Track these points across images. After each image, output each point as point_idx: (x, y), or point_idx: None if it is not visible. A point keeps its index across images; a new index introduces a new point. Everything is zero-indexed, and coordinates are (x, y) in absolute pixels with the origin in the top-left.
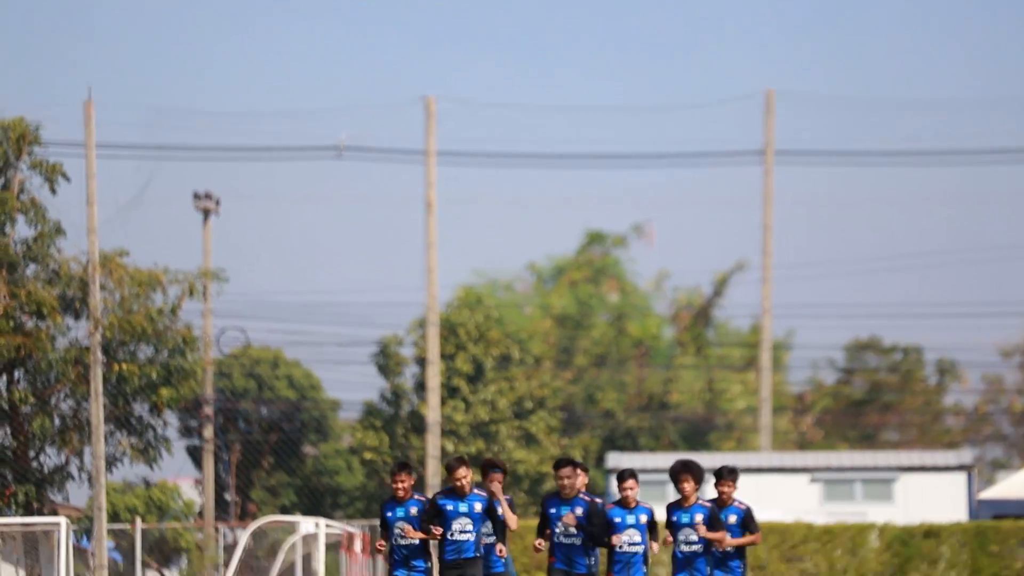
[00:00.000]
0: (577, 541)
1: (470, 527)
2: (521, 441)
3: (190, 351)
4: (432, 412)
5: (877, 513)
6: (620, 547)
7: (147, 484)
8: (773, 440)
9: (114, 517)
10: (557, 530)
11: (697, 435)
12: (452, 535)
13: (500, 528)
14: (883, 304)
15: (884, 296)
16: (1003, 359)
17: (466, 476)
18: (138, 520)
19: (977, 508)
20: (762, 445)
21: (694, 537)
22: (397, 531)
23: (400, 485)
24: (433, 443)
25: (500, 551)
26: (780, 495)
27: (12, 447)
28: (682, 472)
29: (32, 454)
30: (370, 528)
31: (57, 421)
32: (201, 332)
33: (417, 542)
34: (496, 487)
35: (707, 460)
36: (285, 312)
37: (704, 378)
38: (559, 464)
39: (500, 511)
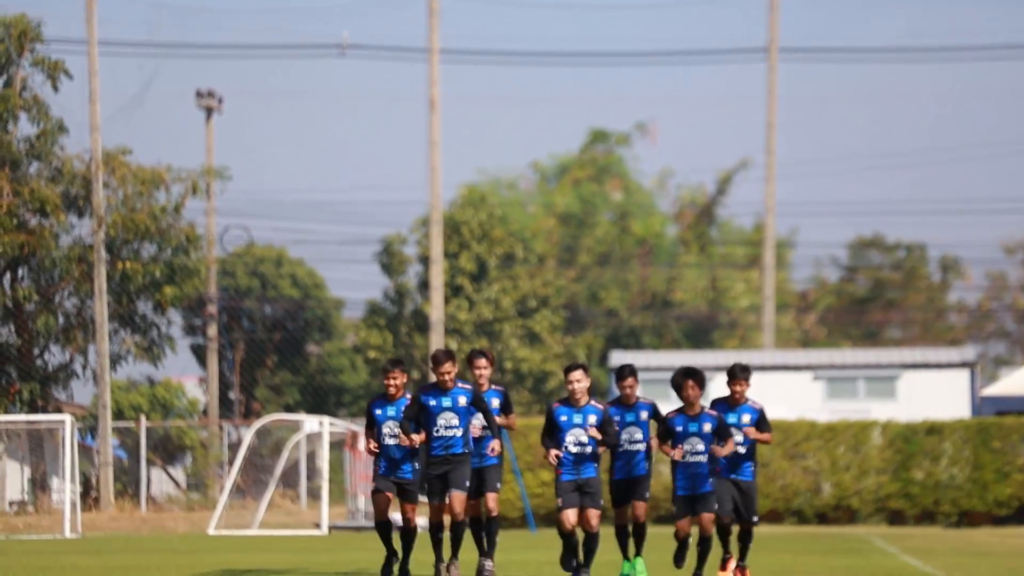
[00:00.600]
0: (588, 450)
1: (456, 422)
2: (524, 340)
3: (193, 249)
4: (435, 311)
5: (880, 410)
6: (622, 446)
7: (151, 382)
8: (776, 338)
9: (118, 415)
10: (568, 439)
11: (700, 333)
12: (437, 431)
13: (493, 422)
14: (886, 201)
15: (887, 193)
16: (1006, 256)
17: (451, 371)
18: (142, 418)
19: (980, 404)
20: (765, 343)
21: (701, 447)
22: (386, 431)
23: (392, 383)
24: (437, 342)
25: (492, 450)
26: (783, 393)
27: (16, 345)
28: (686, 378)
29: (36, 352)
30: None
31: (61, 319)
32: (204, 230)
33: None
34: (482, 377)
35: (710, 359)
36: (288, 210)
37: (707, 276)
38: (569, 369)
39: (497, 411)
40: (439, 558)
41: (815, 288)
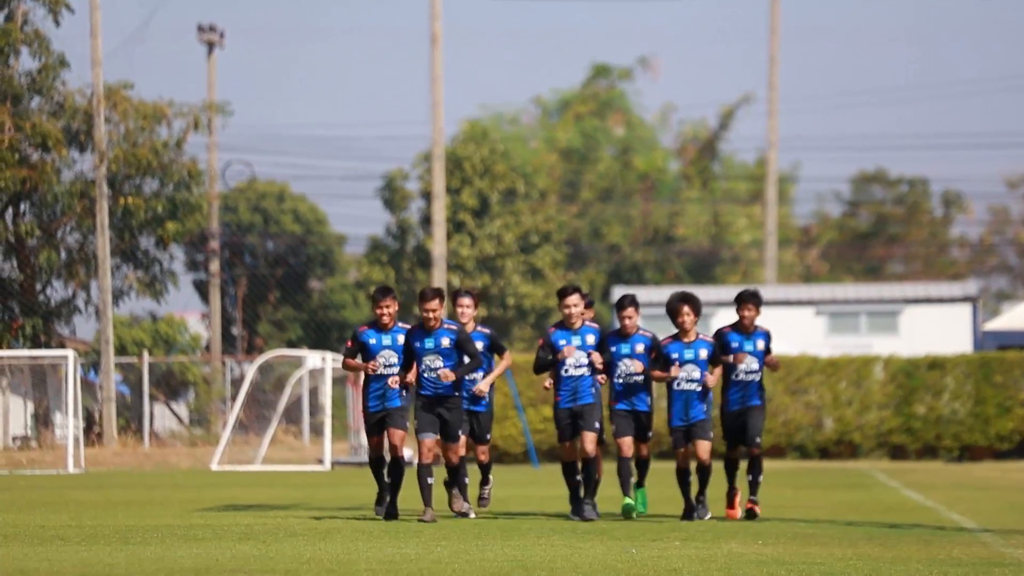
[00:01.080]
0: (586, 372)
1: (439, 363)
2: (527, 276)
3: (195, 185)
4: (438, 247)
5: (882, 345)
6: (620, 377)
7: (154, 318)
8: (778, 273)
9: (121, 351)
10: (567, 362)
11: (702, 268)
12: (425, 373)
13: (478, 360)
14: (889, 136)
15: (890, 128)
16: (1009, 190)
17: (436, 309)
18: (145, 354)
19: (982, 339)
20: (767, 278)
21: (696, 374)
22: (381, 361)
23: (385, 311)
24: (439, 278)
25: (478, 391)
26: (785, 328)
27: (19, 280)
28: (681, 303)
29: (39, 287)
30: None
31: (63, 255)
32: (206, 166)
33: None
34: (465, 317)
35: (712, 294)
36: (290, 146)
37: (710, 212)
38: (564, 292)
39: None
40: (451, 494)
41: (817, 223)
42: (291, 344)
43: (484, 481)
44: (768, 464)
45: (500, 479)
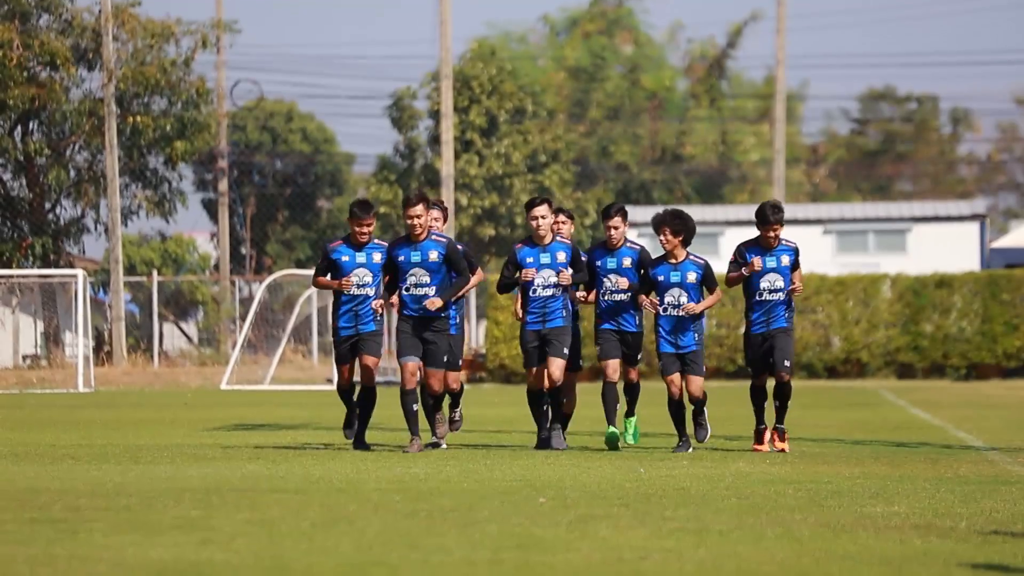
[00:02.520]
0: (558, 292)
1: (427, 279)
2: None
3: (204, 104)
4: (446, 166)
5: (890, 263)
6: (605, 294)
7: (163, 237)
8: (786, 192)
9: (130, 270)
10: (535, 282)
11: (711, 187)
12: (408, 289)
13: (466, 280)
14: (897, 53)
15: (899, 45)
16: (1018, 107)
17: (421, 215)
18: (154, 273)
19: (989, 257)
20: (775, 197)
21: (684, 299)
22: (355, 279)
23: (365, 230)
24: (447, 197)
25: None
26: None
27: (28, 199)
28: (661, 225)
29: (48, 206)
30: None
31: (72, 173)
32: (214, 84)
33: (369, 295)
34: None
35: (720, 213)
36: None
37: (718, 130)
38: (532, 203)
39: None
40: (431, 425)
41: (825, 141)
42: (299, 264)
43: (454, 404)
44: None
45: (513, 399)
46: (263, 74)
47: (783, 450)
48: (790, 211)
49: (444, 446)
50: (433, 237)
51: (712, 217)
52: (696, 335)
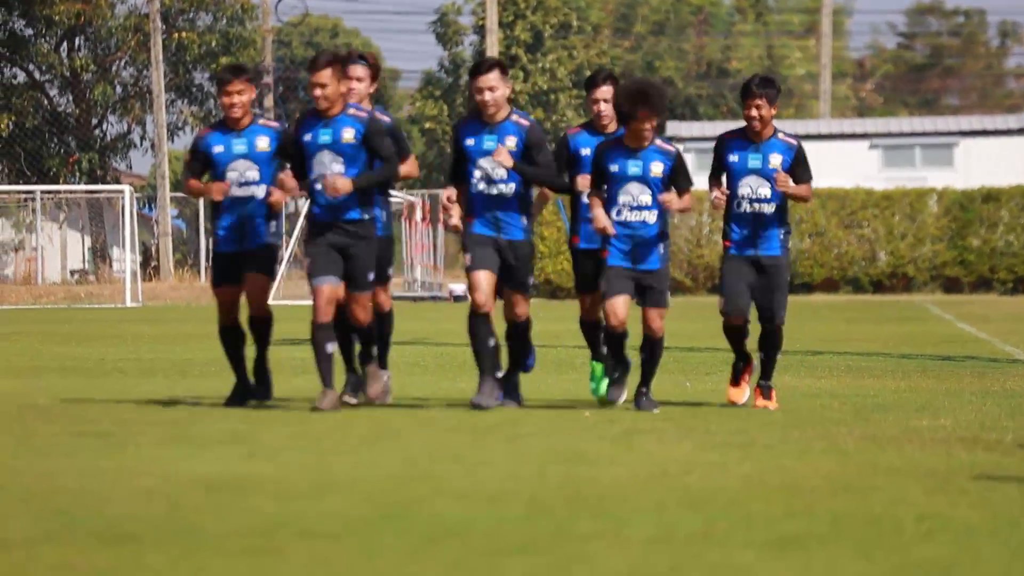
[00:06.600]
0: (507, 190)
1: (340, 167)
2: (579, 111)
3: (249, 20)
4: None
5: (937, 178)
6: (582, 192)
7: None
8: (832, 107)
9: (177, 186)
10: (475, 175)
11: None
12: (317, 183)
13: (393, 169)
14: None
15: None
16: None
17: (327, 84)
18: None
19: None
20: (821, 112)
21: (646, 197)
22: (232, 176)
23: (236, 99)
24: None
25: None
26: (839, 162)
27: (75, 115)
28: (634, 105)
29: (95, 122)
30: (430, 197)
31: (119, 89)
32: (260, 0)
33: (256, 195)
34: (353, 96)
35: None
36: None
37: (763, 45)
38: (477, 69)
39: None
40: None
41: (872, 56)
42: None
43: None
44: (822, 298)
45: (553, 314)
46: None
47: (765, 400)
48: (837, 126)
49: (354, 401)
50: (350, 111)
51: None
52: (662, 248)
